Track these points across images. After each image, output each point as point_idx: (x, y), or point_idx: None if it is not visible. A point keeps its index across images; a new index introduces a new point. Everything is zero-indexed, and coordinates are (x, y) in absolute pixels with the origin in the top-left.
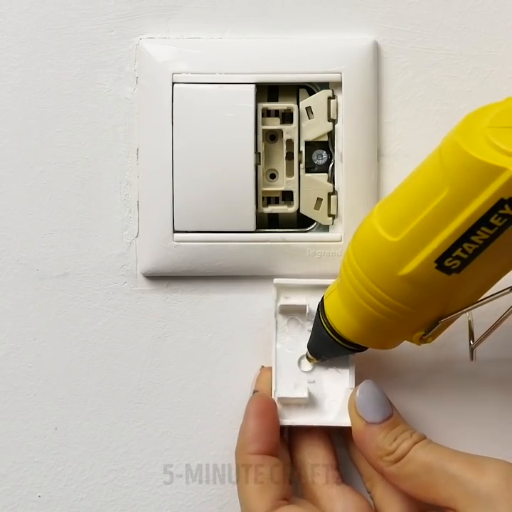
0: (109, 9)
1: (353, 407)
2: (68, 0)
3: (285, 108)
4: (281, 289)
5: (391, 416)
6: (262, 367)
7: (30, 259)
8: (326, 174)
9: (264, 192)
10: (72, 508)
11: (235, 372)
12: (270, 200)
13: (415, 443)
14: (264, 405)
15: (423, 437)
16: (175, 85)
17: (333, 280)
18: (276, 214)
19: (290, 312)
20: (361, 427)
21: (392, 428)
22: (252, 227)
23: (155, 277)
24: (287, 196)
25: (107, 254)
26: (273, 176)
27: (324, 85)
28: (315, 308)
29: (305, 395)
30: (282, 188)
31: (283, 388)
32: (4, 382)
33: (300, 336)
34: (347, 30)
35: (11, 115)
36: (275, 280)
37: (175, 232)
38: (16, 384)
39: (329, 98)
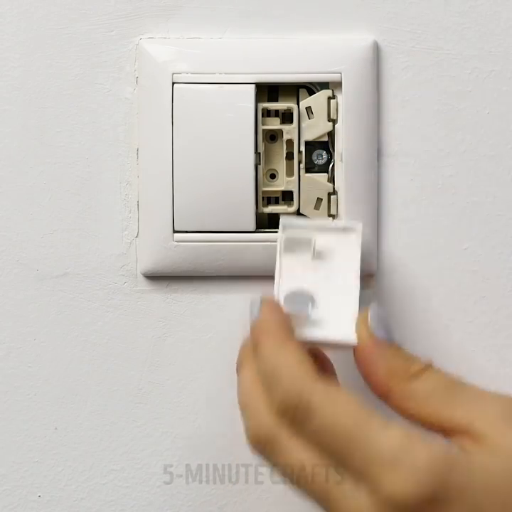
0: (109, 9)
1: (363, 323)
2: (68, 0)
3: (285, 108)
4: (287, 227)
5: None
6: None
7: (30, 259)
8: (326, 174)
9: (264, 192)
10: (72, 508)
11: (234, 372)
12: (270, 200)
13: (429, 364)
14: (274, 302)
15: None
16: (175, 85)
17: (339, 221)
18: (277, 214)
19: (294, 245)
20: (371, 343)
21: (402, 349)
22: (252, 227)
23: (155, 277)
24: (287, 196)
25: (106, 254)
26: (273, 176)
27: (324, 85)
28: (320, 248)
29: (310, 291)
30: (282, 188)
31: (288, 282)
32: (4, 382)
33: (304, 264)
34: (347, 30)
35: (11, 115)
36: (282, 217)
37: (175, 232)
38: (16, 384)
39: (329, 98)
